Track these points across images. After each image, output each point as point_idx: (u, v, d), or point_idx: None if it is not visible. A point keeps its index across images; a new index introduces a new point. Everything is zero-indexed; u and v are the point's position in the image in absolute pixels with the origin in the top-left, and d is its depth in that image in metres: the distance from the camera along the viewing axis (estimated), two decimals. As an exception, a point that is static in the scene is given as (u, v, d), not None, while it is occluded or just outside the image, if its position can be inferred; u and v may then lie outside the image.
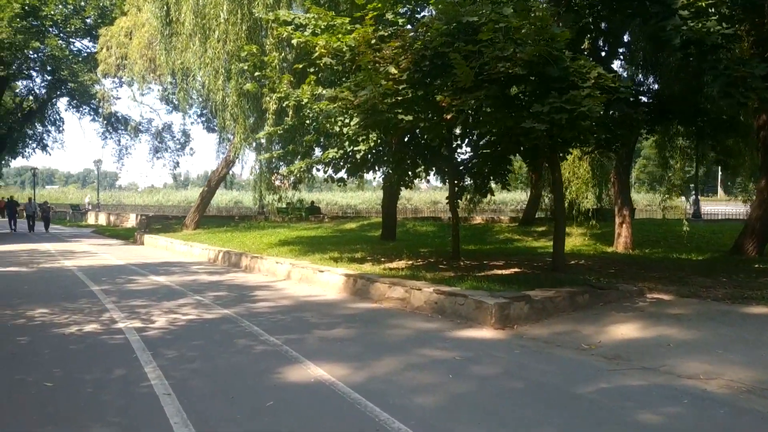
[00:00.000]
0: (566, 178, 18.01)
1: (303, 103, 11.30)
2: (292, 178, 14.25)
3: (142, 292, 10.73)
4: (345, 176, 12.96)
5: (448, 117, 7.91)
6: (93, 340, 6.82)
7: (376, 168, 12.45)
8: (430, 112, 8.77)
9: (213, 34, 13.67)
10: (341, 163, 12.17)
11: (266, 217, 29.95)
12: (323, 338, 7.02)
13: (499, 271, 11.07)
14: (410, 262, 12.72)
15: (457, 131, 11.94)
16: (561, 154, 10.79)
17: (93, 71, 23.16)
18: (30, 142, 34.00)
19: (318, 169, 12.47)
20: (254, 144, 16.05)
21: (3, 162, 55.78)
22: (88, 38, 25.16)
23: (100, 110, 21.99)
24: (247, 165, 22.67)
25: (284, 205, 23.66)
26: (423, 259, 13.22)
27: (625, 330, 7.28)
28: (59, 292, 10.47)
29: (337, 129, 10.41)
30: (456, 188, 12.62)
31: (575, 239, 17.94)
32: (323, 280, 11.32)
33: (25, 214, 32.43)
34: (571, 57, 7.56)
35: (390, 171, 12.17)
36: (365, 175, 15.05)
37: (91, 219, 45.18)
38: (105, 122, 32.36)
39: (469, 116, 7.93)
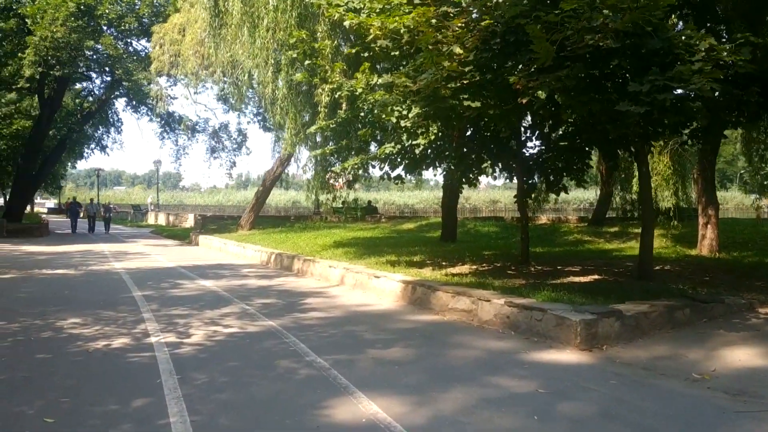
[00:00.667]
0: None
1: (357, 93, 10.37)
2: (347, 177, 13.36)
3: (186, 298, 9.99)
4: (402, 174, 11.97)
5: (524, 101, 6.78)
6: (118, 359, 6.01)
7: (437, 164, 11.37)
8: (501, 98, 7.65)
9: (261, 23, 12.88)
10: (398, 160, 11.18)
11: (322, 218, 29.27)
12: (378, 360, 6.01)
13: (577, 279, 9.85)
14: (474, 266, 11.62)
15: (525, 124, 10.78)
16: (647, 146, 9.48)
17: (147, 70, 22.91)
18: (90, 143, 34.27)
19: (373, 166, 11.51)
20: (309, 142, 15.21)
21: (69, 164, 57.29)
22: (145, 38, 24.97)
23: (156, 109, 21.63)
24: (301, 163, 22.00)
25: (340, 205, 22.85)
26: (488, 264, 12.08)
27: (743, 355, 6.01)
28: (99, 298, 9.83)
29: (394, 120, 9.41)
30: (525, 185, 11.45)
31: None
32: (379, 287, 10.34)
33: (87, 215, 32.35)
34: (674, 26, 6.33)
35: (452, 167, 11.07)
36: (424, 172, 14.04)
37: (151, 219, 45.73)
38: (162, 122, 32.36)
39: (547, 101, 6.78)
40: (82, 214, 32.27)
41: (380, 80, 9.44)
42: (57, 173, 41.70)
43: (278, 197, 69.15)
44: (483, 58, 7.33)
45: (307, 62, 10.71)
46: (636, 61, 6.34)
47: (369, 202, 32.75)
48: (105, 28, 23.59)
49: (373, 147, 12.65)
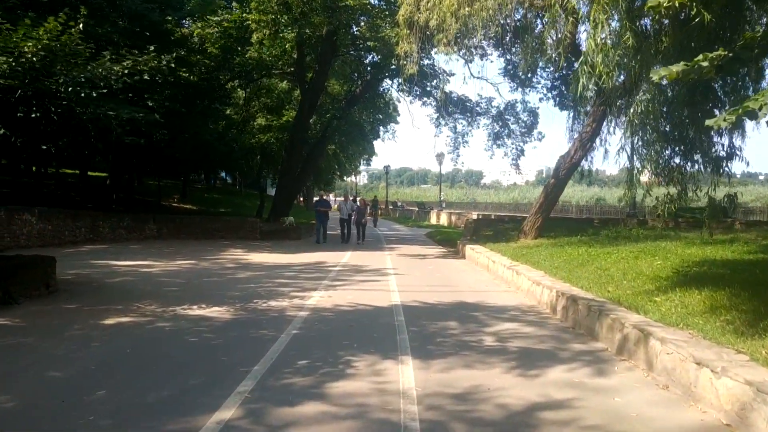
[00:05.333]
0: None
1: None
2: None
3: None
4: None
5: None
6: None
7: None
8: None
9: None
10: None
11: (640, 221, 20.90)
12: None
13: None
14: None
15: None
16: None
17: (395, 23, 17.32)
18: (352, 130, 29.88)
19: None
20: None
21: (363, 161, 56.60)
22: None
23: (404, 71, 15.88)
24: (613, 130, 14.38)
25: (667, 204, 14.41)
26: None
27: None
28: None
29: None
30: None
31: None
32: None
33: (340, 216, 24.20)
34: None
35: None
36: None
37: (433, 219, 41.49)
38: (437, 105, 27.09)
39: None
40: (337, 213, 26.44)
41: None
42: (328, 167, 39.33)
43: (579, 193, 60.35)
44: None
45: None
46: None
47: (716, 198, 23.04)
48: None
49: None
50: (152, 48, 9.61)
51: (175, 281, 11.67)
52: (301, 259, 16.19)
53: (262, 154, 31.14)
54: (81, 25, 8.49)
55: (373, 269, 14.38)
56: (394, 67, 22.08)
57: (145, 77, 9.31)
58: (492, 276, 13.34)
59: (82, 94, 8.17)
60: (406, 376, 5.45)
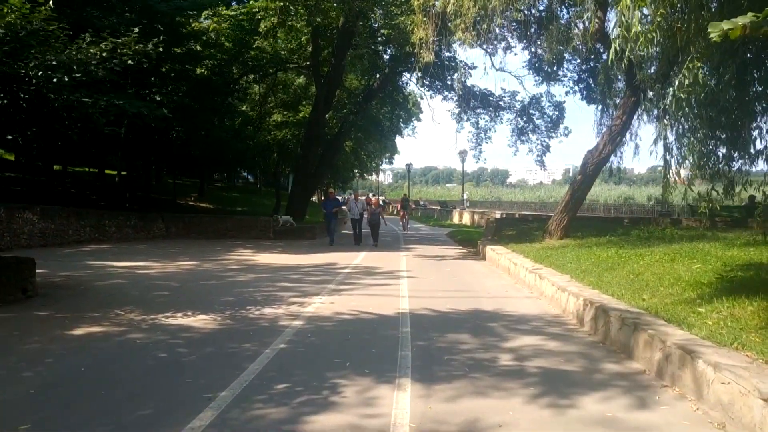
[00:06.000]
0: None
1: None
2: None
3: None
4: None
5: None
6: None
7: None
8: None
9: None
10: None
11: (673, 220, 19.67)
12: None
13: None
14: None
15: None
16: None
17: (410, 9, 16.27)
18: (368, 125, 28.80)
19: None
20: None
21: (385, 159, 55.66)
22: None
23: (421, 59, 14.79)
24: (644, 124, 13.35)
25: (710, 201, 13.17)
26: None
27: None
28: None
29: None
30: None
31: None
32: None
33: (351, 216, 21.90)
34: None
35: None
36: None
37: (455, 218, 40.38)
38: (458, 99, 26.05)
39: None
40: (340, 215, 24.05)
41: None
42: (347, 165, 38.39)
43: (607, 192, 58.72)
44: None
45: None
46: None
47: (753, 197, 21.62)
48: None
49: None
50: (136, 30, 8.82)
51: (169, 284, 10.85)
52: (311, 261, 15.31)
53: (278, 151, 30.42)
54: (51, 2, 7.72)
55: (386, 272, 13.42)
56: (412, 60, 21.10)
57: (129, 62, 8.52)
58: (513, 280, 12.32)
59: (54, 80, 7.40)
60: (401, 407, 4.51)
